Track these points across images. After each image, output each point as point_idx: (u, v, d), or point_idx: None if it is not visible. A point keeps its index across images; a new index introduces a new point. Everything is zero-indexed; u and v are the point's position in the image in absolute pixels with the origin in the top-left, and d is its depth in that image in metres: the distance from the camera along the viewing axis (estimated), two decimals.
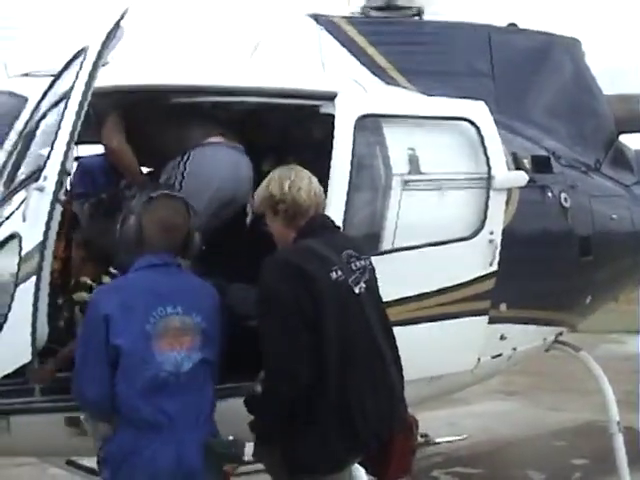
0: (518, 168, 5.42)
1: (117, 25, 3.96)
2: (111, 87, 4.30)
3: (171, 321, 3.63)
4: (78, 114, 3.83)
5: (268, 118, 5.02)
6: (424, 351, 4.84)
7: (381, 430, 3.67)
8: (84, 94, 3.84)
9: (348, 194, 4.54)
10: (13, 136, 4.22)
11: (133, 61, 4.88)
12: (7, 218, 3.95)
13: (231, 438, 3.62)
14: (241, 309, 4.08)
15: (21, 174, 4.04)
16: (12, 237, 3.85)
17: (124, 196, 4.61)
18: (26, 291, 3.73)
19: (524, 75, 6.14)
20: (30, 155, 4.10)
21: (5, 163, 4.14)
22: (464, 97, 5.21)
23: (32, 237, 3.77)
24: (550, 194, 5.70)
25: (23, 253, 3.77)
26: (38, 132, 4.13)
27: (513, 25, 6.33)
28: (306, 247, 3.59)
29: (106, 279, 4.48)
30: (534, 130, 6.06)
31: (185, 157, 4.63)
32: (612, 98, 6.89)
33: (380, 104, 5.01)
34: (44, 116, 4.14)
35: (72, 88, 3.89)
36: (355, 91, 5.04)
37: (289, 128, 5.06)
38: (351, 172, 4.58)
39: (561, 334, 6.31)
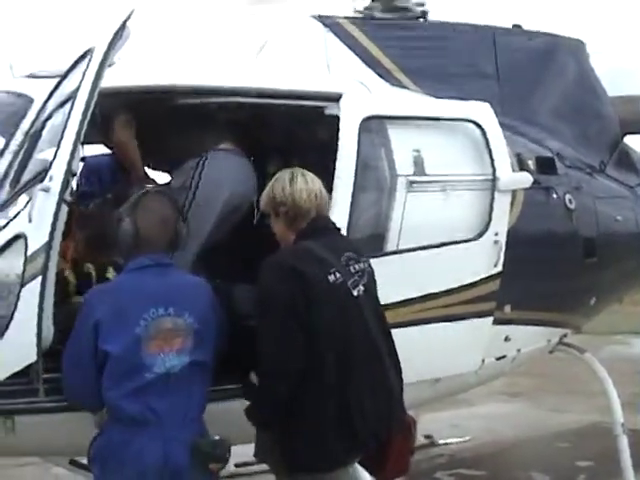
0: (523, 169, 5.43)
1: (123, 25, 3.96)
2: (117, 88, 4.30)
3: (163, 323, 3.64)
4: (84, 115, 3.83)
5: (273, 119, 5.03)
6: (428, 352, 4.85)
7: (379, 430, 3.71)
8: (90, 94, 3.84)
9: (353, 195, 4.55)
10: (19, 136, 4.23)
11: (139, 62, 4.88)
12: (13, 218, 3.96)
13: (217, 438, 3.67)
14: (247, 310, 4.09)
15: (27, 174, 4.05)
16: (18, 237, 3.85)
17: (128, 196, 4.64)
18: (32, 291, 3.73)
19: (529, 76, 6.13)
20: (36, 155, 4.10)
21: (11, 163, 4.15)
22: (469, 99, 5.21)
23: (38, 238, 3.77)
24: (555, 195, 5.70)
25: (29, 253, 3.77)
26: (44, 132, 4.14)
27: (518, 27, 6.33)
28: (305, 249, 3.65)
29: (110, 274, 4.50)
30: (539, 131, 6.06)
31: (200, 162, 4.69)
32: (616, 99, 6.89)
33: (385, 105, 5.01)
34: (50, 116, 4.15)
35: (78, 88, 3.89)
36: (360, 92, 5.05)
37: (294, 129, 5.07)
38: (356, 173, 4.59)
39: (565, 336, 6.30)
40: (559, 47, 6.39)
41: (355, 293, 3.64)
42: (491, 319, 5.14)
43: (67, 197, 3.84)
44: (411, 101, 5.32)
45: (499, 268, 5.04)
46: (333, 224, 3.90)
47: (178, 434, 3.61)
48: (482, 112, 5.12)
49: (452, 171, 4.98)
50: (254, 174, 4.92)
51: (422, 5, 6.09)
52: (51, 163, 3.86)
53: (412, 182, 4.77)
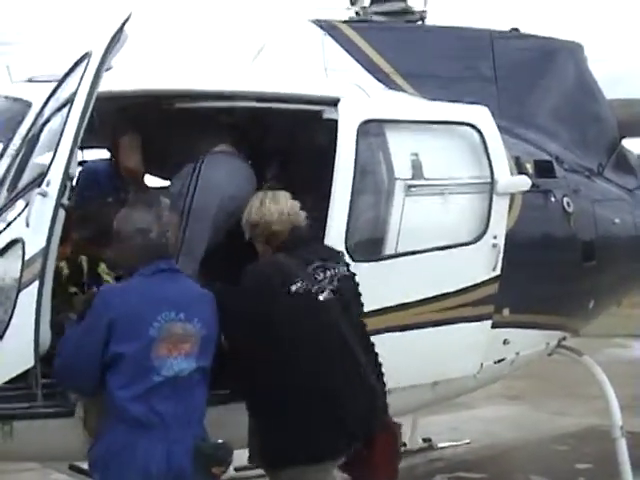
0: (521, 173, 5.43)
1: (120, 30, 3.96)
2: (114, 92, 4.30)
3: (174, 327, 3.67)
4: (82, 119, 3.83)
5: (271, 123, 5.03)
6: (427, 356, 4.85)
7: (362, 424, 3.86)
8: (87, 99, 3.84)
9: (351, 199, 4.55)
10: (17, 141, 4.22)
11: (137, 66, 4.88)
12: (11, 223, 3.94)
13: (219, 441, 3.69)
14: None
15: (25, 179, 4.04)
16: (15, 242, 3.85)
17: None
18: (29, 296, 3.73)
19: (526, 79, 6.13)
20: (34, 160, 4.10)
21: (9, 168, 4.14)
22: (467, 102, 5.21)
23: (35, 242, 3.76)
24: (553, 199, 5.70)
25: (26, 258, 3.77)
26: (42, 137, 4.13)
27: (515, 30, 6.33)
28: (273, 262, 4.00)
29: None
30: (537, 135, 6.06)
31: (197, 166, 4.69)
32: (615, 102, 6.89)
33: (383, 109, 5.01)
34: (48, 121, 4.14)
35: (76, 93, 3.89)
36: (358, 96, 5.05)
37: (292, 133, 5.07)
38: (354, 177, 4.59)
39: (564, 339, 6.30)
40: (557, 50, 6.40)
41: (321, 298, 3.87)
42: (490, 322, 5.13)
43: (65, 201, 3.83)
44: (409, 105, 5.32)
45: (497, 271, 5.03)
46: (310, 235, 4.17)
47: (182, 437, 3.62)
48: (480, 115, 5.12)
49: (450, 174, 4.98)
50: (253, 176, 4.89)
51: (420, 9, 6.10)
52: (49, 167, 3.86)
53: (410, 186, 4.77)
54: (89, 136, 4.02)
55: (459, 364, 5.10)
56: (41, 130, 4.16)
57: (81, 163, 4.95)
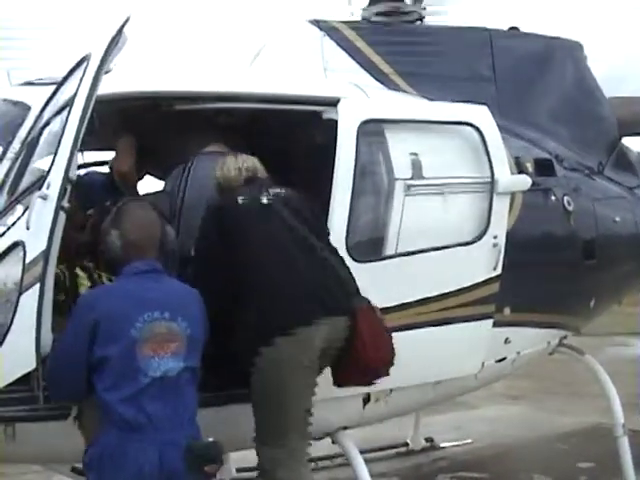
0: (521, 172, 5.43)
1: (120, 32, 3.96)
2: (114, 94, 4.30)
3: (157, 327, 3.66)
4: (81, 121, 3.83)
5: (270, 124, 5.03)
6: (428, 355, 4.85)
7: (332, 295, 4.07)
8: (87, 101, 3.84)
9: (351, 199, 4.56)
10: (17, 144, 4.22)
11: (136, 68, 4.89)
12: (11, 226, 3.95)
13: (211, 440, 3.68)
14: None
15: (25, 182, 4.04)
16: (16, 245, 3.85)
17: None
18: (30, 299, 3.73)
19: (526, 79, 6.14)
20: (33, 163, 4.10)
21: (8, 171, 4.14)
22: (466, 101, 5.21)
23: (36, 245, 3.76)
24: (553, 197, 5.70)
25: (27, 261, 3.77)
26: (41, 140, 4.13)
27: (515, 29, 6.33)
28: (230, 196, 4.31)
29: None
30: (537, 133, 6.06)
31: (188, 166, 4.69)
32: (615, 101, 6.89)
33: (383, 109, 5.01)
34: (47, 124, 4.14)
35: (75, 95, 3.89)
36: (357, 96, 5.05)
37: (292, 134, 5.07)
38: (354, 177, 4.59)
39: (565, 337, 6.30)
40: (556, 49, 6.40)
41: (264, 201, 4.21)
42: (491, 322, 5.13)
43: (65, 204, 3.83)
44: (409, 104, 5.32)
45: (498, 271, 5.03)
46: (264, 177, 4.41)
47: (173, 438, 3.61)
48: (480, 115, 5.12)
49: (450, 174, 4.98)
50: None
51: (419, 8, 6.10)
52: (49, 170, 3.86)
53: (410, 185, 4.77)
54: (89, 138, 4.02)
55: (460, 363, 5.10)
56: (41, 133, 4.16)
57: (79, 167, 4.94)
